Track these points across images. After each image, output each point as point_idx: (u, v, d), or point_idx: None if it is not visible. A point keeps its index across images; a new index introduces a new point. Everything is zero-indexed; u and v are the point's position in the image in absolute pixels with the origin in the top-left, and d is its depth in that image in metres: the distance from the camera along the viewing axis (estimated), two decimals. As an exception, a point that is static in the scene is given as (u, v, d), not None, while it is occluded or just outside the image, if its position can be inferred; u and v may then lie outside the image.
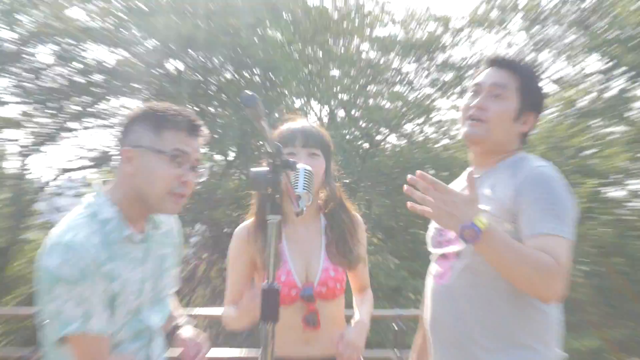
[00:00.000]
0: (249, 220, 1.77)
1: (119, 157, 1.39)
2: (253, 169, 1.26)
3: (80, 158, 9.31)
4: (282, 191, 1.19)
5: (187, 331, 1.52)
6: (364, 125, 8.42)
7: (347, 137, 8.36)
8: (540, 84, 1.62)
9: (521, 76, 1.53)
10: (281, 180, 1.18)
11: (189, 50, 8.63)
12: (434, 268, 1.62)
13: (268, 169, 1.18)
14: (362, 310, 1.78)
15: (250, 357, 3.68)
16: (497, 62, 1.57)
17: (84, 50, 8.36)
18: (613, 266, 8.28)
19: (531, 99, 1.53)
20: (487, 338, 1.44)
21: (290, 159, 1.21)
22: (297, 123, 1.75)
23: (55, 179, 9.21)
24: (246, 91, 1.03)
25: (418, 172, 1.31)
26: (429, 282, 1.62)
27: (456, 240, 1.46)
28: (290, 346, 1.68)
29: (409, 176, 1.31)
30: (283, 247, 1.72)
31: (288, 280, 1.68)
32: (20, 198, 8.98)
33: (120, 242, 1.35)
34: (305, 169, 1.30)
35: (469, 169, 1.47)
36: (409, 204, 1.34)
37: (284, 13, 8.23)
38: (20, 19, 8.07)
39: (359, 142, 8.49)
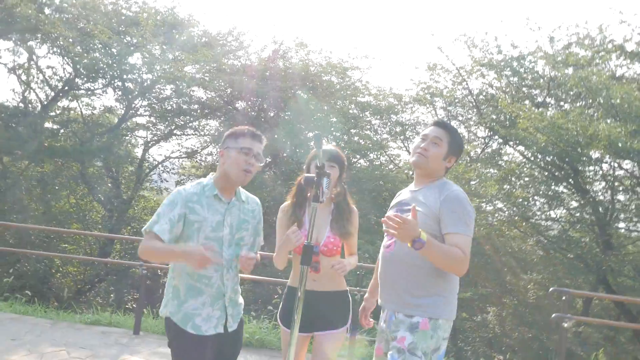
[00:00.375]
0: (288, 202, 2.71)
1: (218, 155, 2.30)
2: (307, 175, 2.26)
3: (179, 151, 15.23)
4: (321, 188, 2.06)
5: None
6: (345, 151, 14.17)
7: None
8: (461, 140, 2.45)
9: (451, 135, 2.37)
10: (322, 182, 2.05)
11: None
12: (385, 241, 2.42)
13: (314, 175, 2.06)
14: (349, 259, 2.70)
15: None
16: (439, 124, 2.41)
17: (192, 91, 14.03)
18: (483, 251, 13.05)
19: (454, 148, 2.38)
20: (414, 288, 2.24)
21: (327, 171, 2.09)
22: (326, 145, 2.65)
23: (163, 162, 15.13)
24: (318, 132, 2.10)
25: (390, 215, 2.10)
26: (381, 252, 2.43)
27: None
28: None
29: (385, 217, 2.11)
30: (305, 219, 2.62)
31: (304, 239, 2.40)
32: (141, 171, 14.78)
33: (210, 197, 2.28)
34: (327, 179, 2.11)
35: (411, 185, 2.46)
36: (383, 220, 2.13)
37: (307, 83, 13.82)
38: (157, 68, 13.66)
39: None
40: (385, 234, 2.38)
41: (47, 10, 12.79)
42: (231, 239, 2.32)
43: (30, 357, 4.36)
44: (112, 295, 12.24)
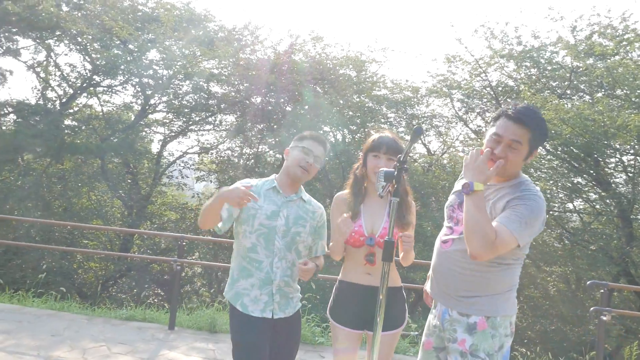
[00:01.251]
0: (344, 191, 2.60)
1: (283, 154, 2.59)
2: (386, 169, 2.07)
3: (196, 147, 15.32)
4: (401, 183, 2.05)
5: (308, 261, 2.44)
6: (361, 144, 14.11)
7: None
8: (546, 127, 2.07)
9: (532, 130, 2.00)
10: (401, 178, 1.99)
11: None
12: (442, 233, 2.26)
13: (394, 170, 2.00)
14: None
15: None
16: (516, 118, 1.99)
17: (209, 86, 13.96)
18: None
19: (538, 142, 2.05)
20: (469, 286, 2.10)
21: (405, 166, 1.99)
22: (384, 134, 2.53)
23: (180, 157, 15.21)
24: (420, 127, 1.88)
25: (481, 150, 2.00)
26: (437, 244, 2.28)
27: (461, 223, 2.07)
28: (358, 276, 2.46)
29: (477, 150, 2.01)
30: (361, 210, 2.49)
31: (359, 230, 2.42)
32: (159, 167, 14.89)
33: (269, 189, 2.47)
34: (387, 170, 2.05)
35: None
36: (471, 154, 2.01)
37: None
38: (175, 64, 13.64)
39: (357, 153, 14.15)
40: (446, 223, 2.28)
41: (65, 8, 12.85)
42: (286, 230, 2.43)
43: (73, 353, 4.40)
44: (135, 290, 12.35)
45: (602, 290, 4.71)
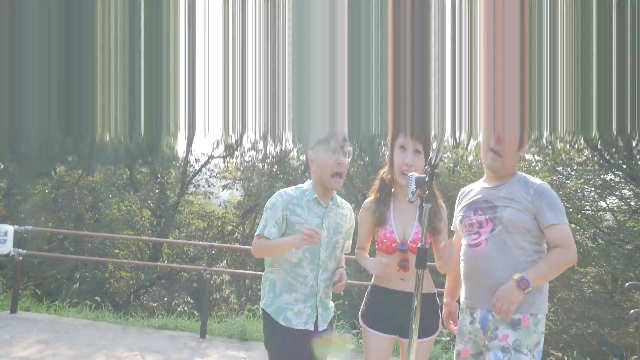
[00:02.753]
0: (370, 197, 2.51)
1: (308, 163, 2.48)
2: (417, 175, 2.00)
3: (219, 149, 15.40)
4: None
5: (340, 270, 2.47)
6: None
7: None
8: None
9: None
10: (432, 184, 1.93)
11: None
12: (468, 239, 2.37)
13: (425, 175, 1.96)
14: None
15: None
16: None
17: None
18: None
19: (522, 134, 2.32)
20: None
21: (437, 171, 1.95)
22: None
23: (206, 164, 15.37)
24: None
25: (496, 305, 2.14)
26: (466, 250, 2.37)
27: (486, 223, 2.29)
28: (392, 281, 2.39)
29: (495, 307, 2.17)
30: (390, 215, 2.40)
31: (391, 237, 2.36)
32: (185, 176, 15.07)
33: (310, 201, 2.38)
34: (417, 175, 1.98)
35: (480, 182, 2.44)
36: (497, 310, 2.16)
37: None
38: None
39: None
40: (467, 233, 2.37)
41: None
42: (329, 241, 2.40)
43: (109, 361, 4.49)
44: (165, 298, 12.54)
45: (642, 292, 4.56)
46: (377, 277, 2.50)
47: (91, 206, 12.76)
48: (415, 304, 1.93)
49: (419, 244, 1.98)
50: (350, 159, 2.43)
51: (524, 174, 2.35)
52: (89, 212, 12.56)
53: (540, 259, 2.22)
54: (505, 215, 2.25)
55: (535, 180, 2.30)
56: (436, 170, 1.98)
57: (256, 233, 2.37)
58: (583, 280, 12.57)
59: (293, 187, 2.47)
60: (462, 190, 2.57)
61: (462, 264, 2.40)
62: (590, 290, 11.78)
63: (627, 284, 4.73)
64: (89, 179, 13.09)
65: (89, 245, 11.77)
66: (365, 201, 2.56)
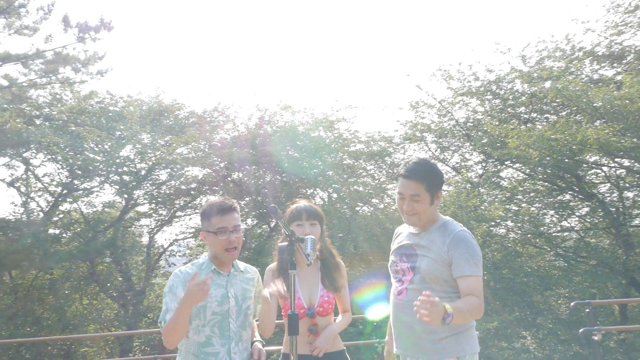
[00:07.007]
0: (273, 264, 2.58)
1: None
2: (280, 244, 2.15)
3: (185, 233, 15.22)
4: (295, 255, 2.07)
5: (257, 345, 2.37)
6: (347, 201, 14.14)
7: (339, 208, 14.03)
8: (438, 174, 2.34)
9: (424, 181, 2.25)
10: (295, 249, 2.05)
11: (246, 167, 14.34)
12: (394, 287, 2.39)
13: (287, 244, 2.07)
14: (337, 322, 2.54)
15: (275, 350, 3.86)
16: (407, 176, 2.26)
17: (187, 171, 14.17)
18: (502, 275, 12.85)
19: (436, 188, 2.29)
20: (433, 331, 2.20)
21: (301, 236, 2.10)
22: (301, 203, 2.58)
23: (170, 246, 15.10)
24: (272, 205, 1.85)
25: (425, 293, 2.00)
26: (392, 298, 2.39)
27: (408, 271, 2.32)
28: (301, 346, 2.35)
29: (420, 298, 2.00)
30: (296, 282, 2.42)
31: (298, 304, 2.43)
32: (150, 258, 14.71)
33: (209, 273, 2.26)
34: (312, 238, 2.07)
35: (408, 227, 2.41)
36: (415, 309, 2.01)
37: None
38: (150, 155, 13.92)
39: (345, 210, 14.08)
40: (394, 280, 2.40)
41: (37, 121, 13.23)
42: (238, 310, 2.31)
43: None
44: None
45: (587, 310, 4.61)
46: (286, 345, 2.50)
47: (51, 305, 12.24)
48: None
49: (292, 310, 2.01)
50: (242, 234, 2.37)
51: (447, 219, 2.38)
52: (46, 312, 12.02)
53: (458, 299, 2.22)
54: (422, 266, 2.29)
55: (456, 227, 2.31)
56: (294, 237, 2.07)
57: (159, 322, 2.23)
58: (557, 302, 12.58)
59: (189, 264, 2.38)
60: (396, 230, 2.60)
61: (390, 311, 2.43)
62: (565, 313, 11.76)
63: (572, 303, 4.79)
64: (46, 277, 12.64)
65: (50, 348, 11.16)
66: (270, 266, 2.60)
